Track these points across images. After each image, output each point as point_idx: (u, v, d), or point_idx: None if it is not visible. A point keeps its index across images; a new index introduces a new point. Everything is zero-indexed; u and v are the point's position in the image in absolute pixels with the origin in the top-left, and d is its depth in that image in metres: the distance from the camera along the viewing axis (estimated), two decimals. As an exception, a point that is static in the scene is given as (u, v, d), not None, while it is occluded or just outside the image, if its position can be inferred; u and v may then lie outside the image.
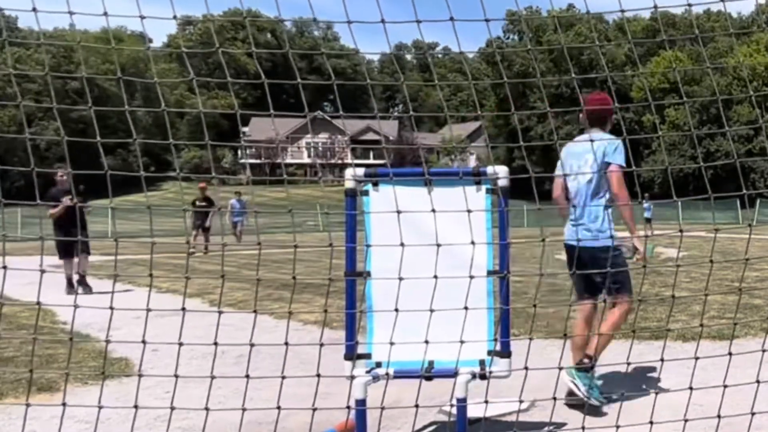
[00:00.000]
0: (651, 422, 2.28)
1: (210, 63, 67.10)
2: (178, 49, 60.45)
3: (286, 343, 1.89)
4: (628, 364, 2.21)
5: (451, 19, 1.94)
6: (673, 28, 59.46)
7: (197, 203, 18.02)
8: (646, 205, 26.65)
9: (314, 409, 2.02)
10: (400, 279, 2.55)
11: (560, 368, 2.23)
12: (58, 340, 5.70)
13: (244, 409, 1.94)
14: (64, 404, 1.99)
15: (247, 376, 1.88)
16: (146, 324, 2.07)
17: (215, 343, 1.91)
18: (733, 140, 47.26)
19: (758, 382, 2.54)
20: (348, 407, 2.88)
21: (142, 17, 1.87)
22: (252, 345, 1.93)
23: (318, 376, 1.97)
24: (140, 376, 1.94)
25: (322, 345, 1.98)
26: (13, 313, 7.49)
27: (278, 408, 1.89)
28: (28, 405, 2.00)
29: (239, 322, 5.50)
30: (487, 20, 2.09)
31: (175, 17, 2.08)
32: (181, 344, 1.91)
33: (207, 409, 1.88)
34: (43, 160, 47.93)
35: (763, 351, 2.50)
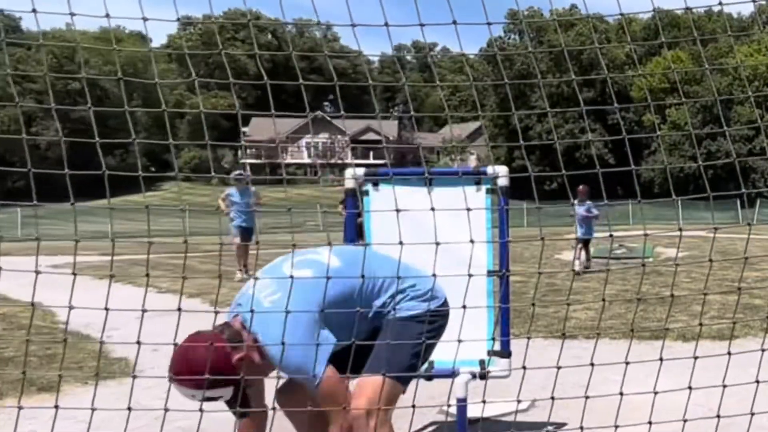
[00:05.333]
0: (650, 422, 2.28)
1: (210, 63, 67.10)
2: (180, 50, 60.47)
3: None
4: (628, 363, 2.21)
5: (454, 22, 1.94)
6: (674, 27, 59.42)
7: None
8: (581, 208, 12.05)
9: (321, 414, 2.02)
10: (399, 278, 2.55)
11: (558, 367, 2.23)
12: (56, 340, 5.70)
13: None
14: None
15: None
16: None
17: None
18: (735, 140, 47.22)
19: (758, 382, 2.54)
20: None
21: (145, 19, 1.87)
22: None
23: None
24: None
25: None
26: (13, 313, 7.51)
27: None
28: (22, 407, 2.00)
29: (239, 322, 5.49)
30: (489, 23, 2.10)
31: (178, 19, 2.08)
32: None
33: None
34: (43, 160, 47.97)
35: (763, 351, 2.50)
